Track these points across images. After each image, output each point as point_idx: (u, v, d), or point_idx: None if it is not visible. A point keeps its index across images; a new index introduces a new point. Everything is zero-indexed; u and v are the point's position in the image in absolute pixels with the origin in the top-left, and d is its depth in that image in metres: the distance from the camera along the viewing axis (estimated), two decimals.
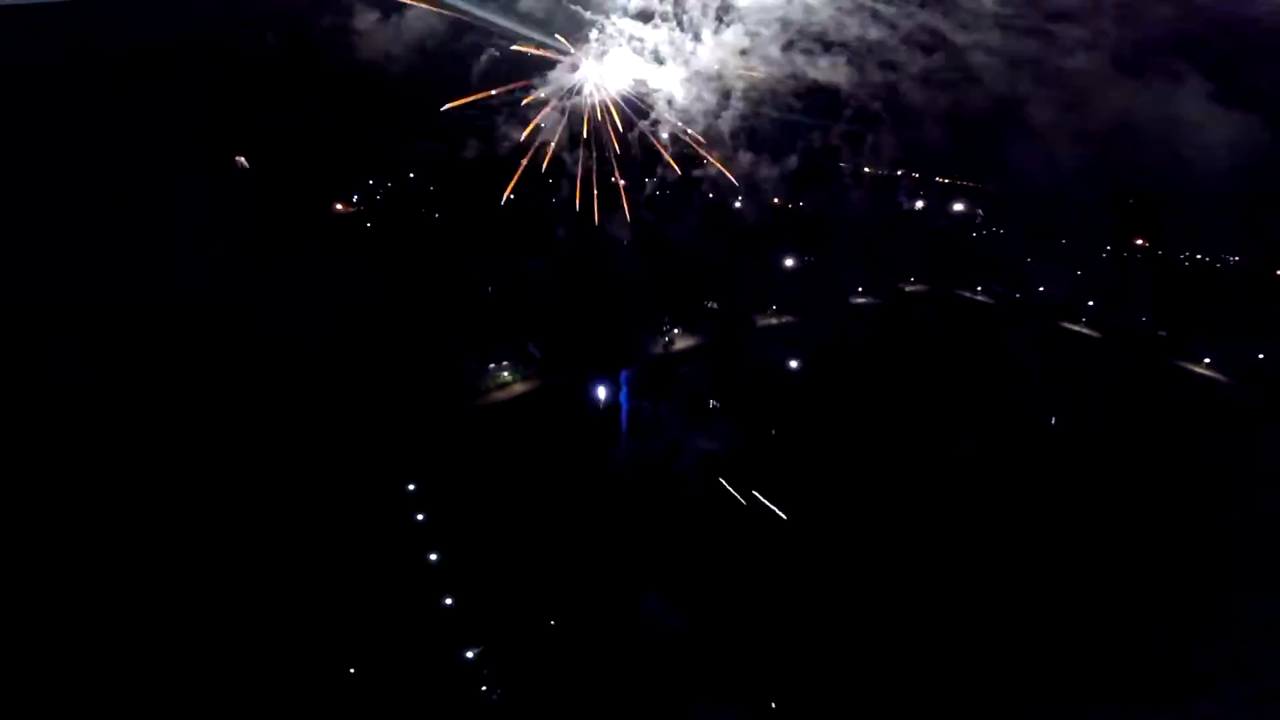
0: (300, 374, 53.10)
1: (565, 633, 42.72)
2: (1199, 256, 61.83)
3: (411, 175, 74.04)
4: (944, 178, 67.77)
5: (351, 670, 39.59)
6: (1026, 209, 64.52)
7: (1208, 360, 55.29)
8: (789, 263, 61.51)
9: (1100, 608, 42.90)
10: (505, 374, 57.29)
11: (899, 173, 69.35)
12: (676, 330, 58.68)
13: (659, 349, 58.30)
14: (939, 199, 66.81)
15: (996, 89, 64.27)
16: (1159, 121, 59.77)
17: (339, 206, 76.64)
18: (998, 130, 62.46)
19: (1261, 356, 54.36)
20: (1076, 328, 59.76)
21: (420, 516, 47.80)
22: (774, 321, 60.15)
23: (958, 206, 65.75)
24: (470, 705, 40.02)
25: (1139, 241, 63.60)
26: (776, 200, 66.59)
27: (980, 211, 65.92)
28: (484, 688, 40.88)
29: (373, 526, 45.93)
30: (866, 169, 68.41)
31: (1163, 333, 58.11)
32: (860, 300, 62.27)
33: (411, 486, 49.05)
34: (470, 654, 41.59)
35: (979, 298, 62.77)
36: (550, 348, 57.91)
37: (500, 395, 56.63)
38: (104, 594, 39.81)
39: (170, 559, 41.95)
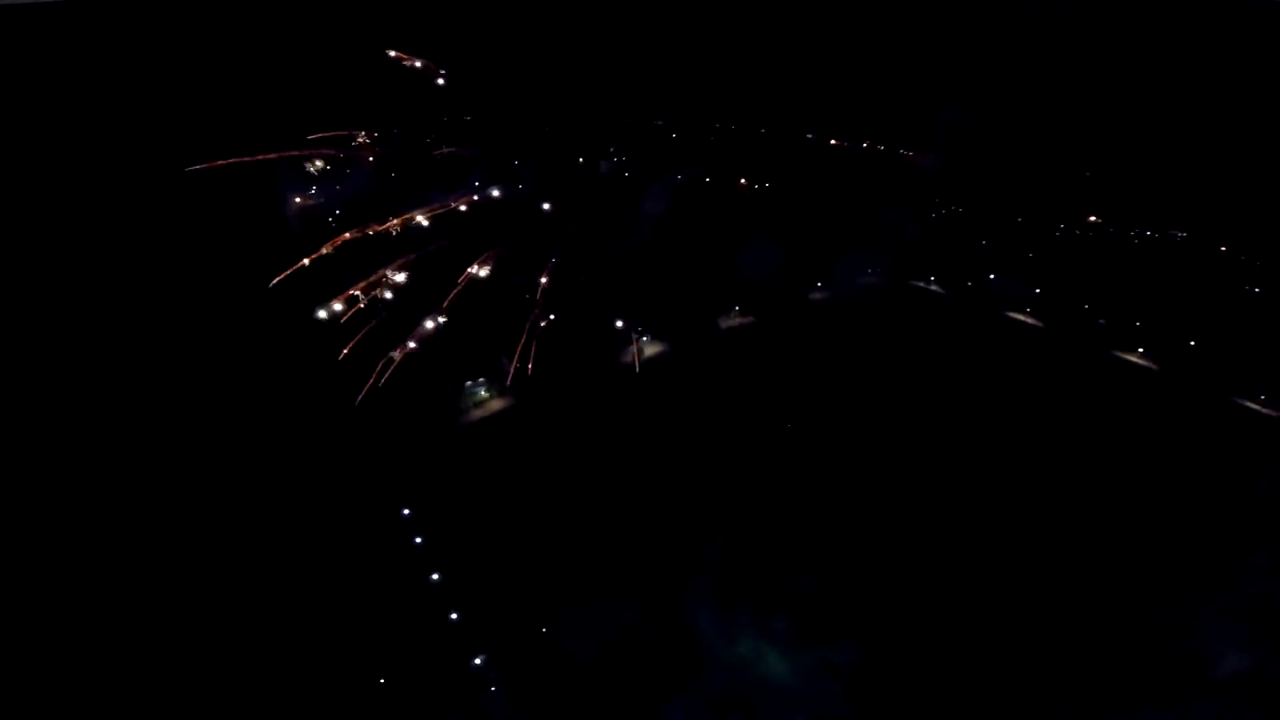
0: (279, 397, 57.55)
1: (562, 637, 50.34)
2: (1148, 233, 66.13)
3: (393, 175, 74.48)
4: (899, 150, 70.06)
5: (381, 681, 47.41)
6: (980, 186, 67.72)
7: (1141, 350, 61.20)
8: (750, 261, 64.95)
9: (1041, 601, 49.69)
10: (482, 391, 61.93)
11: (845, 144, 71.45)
12: (645, 338, 63.10)
13: (629, 358, 62.95)
14: (891, 177, 69.36)
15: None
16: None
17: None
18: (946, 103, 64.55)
19: (1193, 344, 60.33)
20: (1020, 317, 65.00)
21: (419, 539, 54.16)
22: (736, 323, 64.68)
23: (911, 183, 68.50)
24: (479, 707, 48.32)
25: (1092, 219, 67.56)
26: (742, 181, 68.98)
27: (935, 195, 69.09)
28: (492, 689, 49.07)
29: (375, 552, 52.32)
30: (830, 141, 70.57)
31: (1102, 321, 63.57)
32: (818, 296, 66.40)
33: (406, 511, 55.09)
34: (477, 661, 49.45)
35: (932, 288, 67.26)
36: (522, 362, 62.20)
37: (479, 413, 61.51)
38: (105, 633, 46.27)
39: (174, 585, 48.32)
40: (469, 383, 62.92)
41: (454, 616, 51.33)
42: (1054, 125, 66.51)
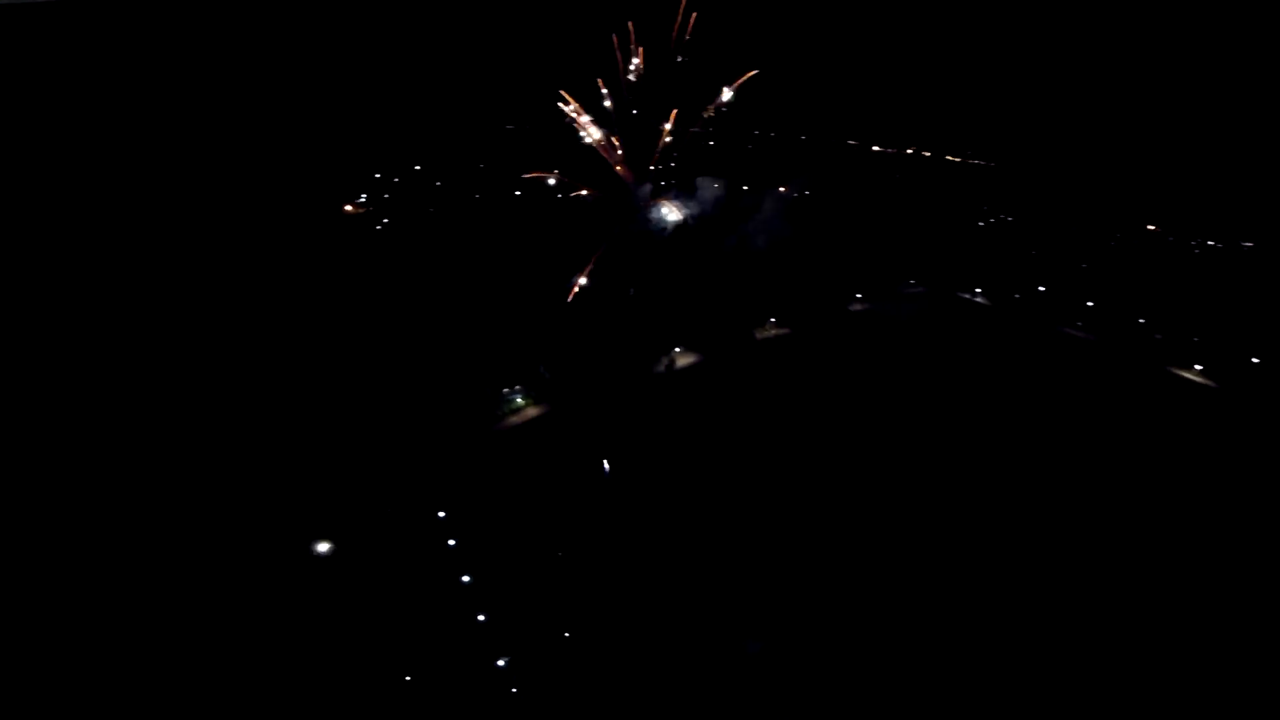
0: (311, 398, 60.00)
1: (586, 642, 51.14)
2: (1210, 243, 62.88)
3: (419, 168, 77.81)
4: (949, 157, 68.84)
5: (407, 678, 49.14)
6: (1030, 192, 65.75)
7: (1199, 367, 58.08)
8: (787, 270, 64.89)
9: (1085, 614, 48.84)
10: (519, 398, 63.65)
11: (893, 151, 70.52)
12: (678, 349, 63.67)
13: (662, 368, 63.71)
14: (939, 182, 68.12)
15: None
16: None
17: (348, 208, 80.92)
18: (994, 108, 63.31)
19: (1255, 361, 56.80)
20: (1071, 331, 62.54)
21: (451, 541, 55.99)
22: (771, 335, 64.48)
23: (959, 191, 67.19)
24: (500, 708, 49.51)
25: (1150, 227, 64.72)
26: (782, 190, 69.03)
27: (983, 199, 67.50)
28: (514, 690, 50.23)
29: (409, 552, 54.34)
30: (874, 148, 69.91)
31: (1158, 336, 60.61)
32: (858, 307, 65.61)
33: (442, 514, 57.04)
34: (501, 662, 50.71)
35: (978, 300, 65.45)
36: (560, 370, 63.68)
37: (515, 420, 63.20)
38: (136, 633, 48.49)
39: (203, 589, 50.58)
40: (506, 389, 64.89)
41: (481, 618, 52.94)
42: (1110, 127, 63.88)
